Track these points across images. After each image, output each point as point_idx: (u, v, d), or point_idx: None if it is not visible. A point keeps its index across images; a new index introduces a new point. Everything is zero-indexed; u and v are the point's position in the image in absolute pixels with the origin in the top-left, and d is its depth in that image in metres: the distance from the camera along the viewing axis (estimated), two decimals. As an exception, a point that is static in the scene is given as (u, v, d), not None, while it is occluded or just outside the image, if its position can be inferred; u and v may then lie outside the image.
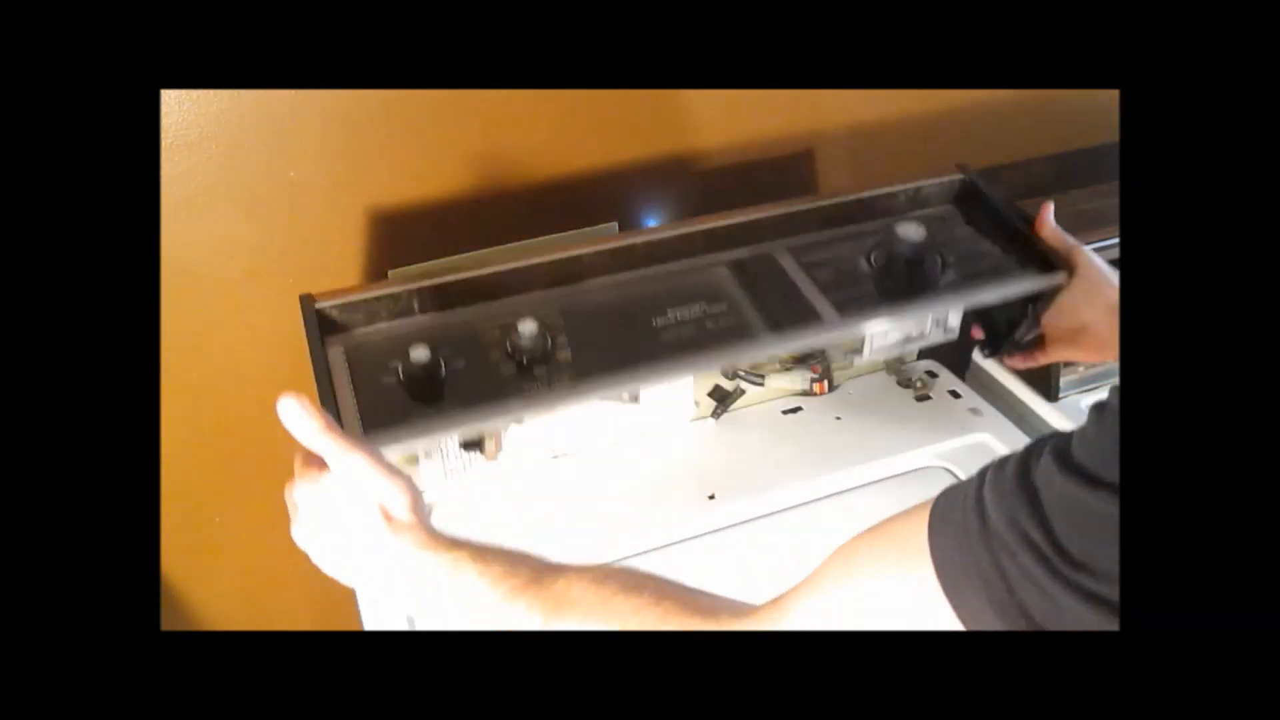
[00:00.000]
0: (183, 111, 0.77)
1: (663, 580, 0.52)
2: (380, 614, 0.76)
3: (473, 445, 0.71)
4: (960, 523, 0.37)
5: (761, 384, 0.93)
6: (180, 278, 0.82)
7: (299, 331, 0.68)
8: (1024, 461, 0.37)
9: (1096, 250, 0.73)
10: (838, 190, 0.82)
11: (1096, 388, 0.96)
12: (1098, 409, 0.35)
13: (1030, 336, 0.78)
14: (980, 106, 1.04)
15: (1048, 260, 0.74)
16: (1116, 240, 0.86)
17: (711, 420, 0.94)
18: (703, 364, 0.70)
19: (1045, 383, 0.94)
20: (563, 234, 0.90)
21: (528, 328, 0.67)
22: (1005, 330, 0.79)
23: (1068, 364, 0.92)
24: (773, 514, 0.83)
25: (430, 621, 0.75)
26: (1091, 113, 1.03)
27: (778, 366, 0.94)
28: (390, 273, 0.83)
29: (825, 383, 0.96)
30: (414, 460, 0.81)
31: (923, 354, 1.01)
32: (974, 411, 0.93)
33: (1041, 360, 0.79)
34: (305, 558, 0.59)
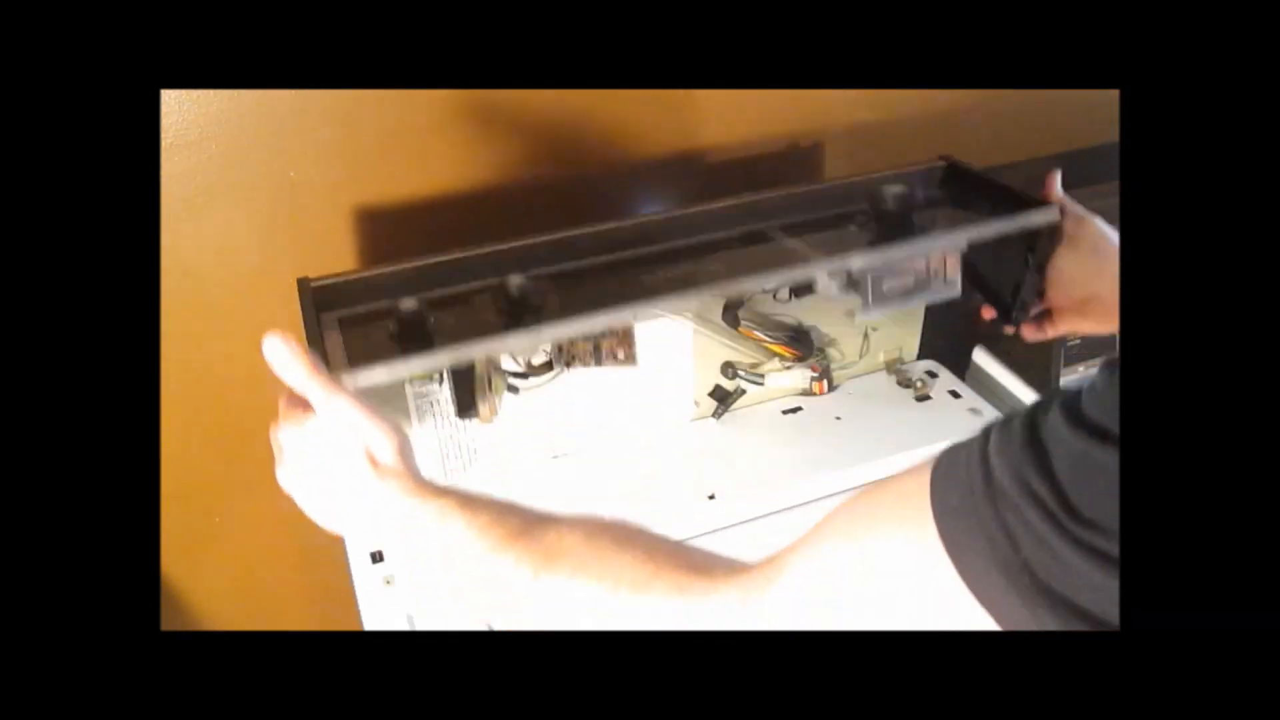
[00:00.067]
0: (183, 111, 0.77)
1: (656, 535, 0.51)
2: (380, 614, 0.76)
3: (468, 407, 0.70)
4: (964, 479, 0.36)
5: (761, 383, 0.93)
6: (180, 278, 0.82)
7: (299, 331, 0.68)
8: (1031, 417, 0.35)
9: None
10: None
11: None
12: (1108, 364, 0.34)
13: (1036, 295, 0.77)
14: (980, 106, 1.04)
15: (1037, 202, 0.74)
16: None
17: (711, 420, 0.94)
18: (693, 299, 0.70)
19: (1045, 382, 0.94)
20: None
21: (516, 280, 0.68)
22: (1011, 295, 0.79)
23: (1073, 338, 0.91)
24: (773, 514, 0.83)
25: (429, 622, 0.75)
26: (1091, 113, 1.03)
27: (778, 366, 0.94)
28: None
29: (825, 382, 0.96)
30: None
31: (923, 354, 1.01)
32: (974, 411, 0.93)
33: (1050, 332, 0.79)
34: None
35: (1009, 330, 0.81)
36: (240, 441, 0.94)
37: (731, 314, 0.86)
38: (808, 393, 0.96)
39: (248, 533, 1.01)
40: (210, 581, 1.03)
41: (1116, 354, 0.34)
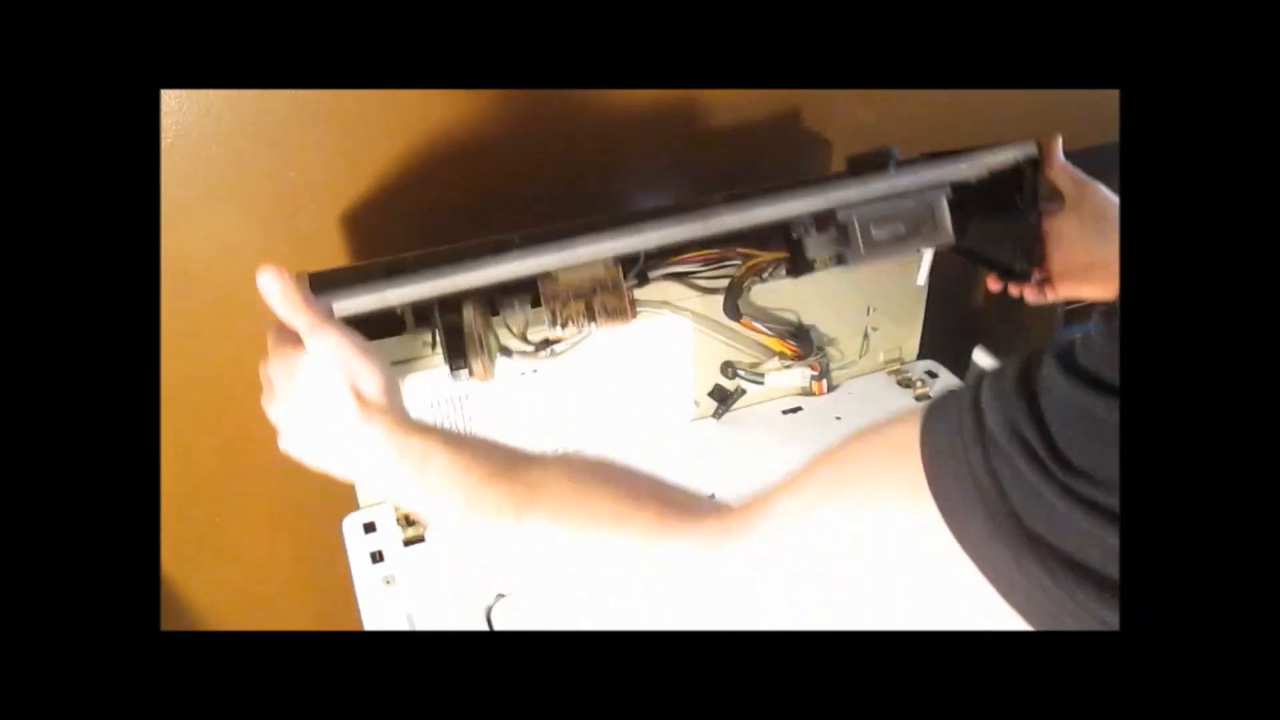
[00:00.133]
0: (183, 111, 0.77)
1: (640, 474, 0.50)
2: (380, 614, 0.76)
3: (460, 362, 0.70)
4: (955, 426, 0.36)
5: (761, 383, 0.93)
6: (180, 278, 0.82)
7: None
8: (1025, 367, 0.35)
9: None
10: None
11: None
12: (1105, 315, 0.34)
13: (1038, 248, 0.78)
14: (981, 107, 1.04)
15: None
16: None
17: (711, 420, 0.94)
18: (680, 228, 0.71)
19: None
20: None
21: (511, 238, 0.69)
22: (1014, 252, 0.79)
23: (1075, 303, 0.91)
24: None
25: (428, 622, 0.75)
26: (1091, 113, 1.03)
27: (777, 366, 0.94)
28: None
29: (824, 382, 0.96)
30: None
31: (923, 354, 1.01)
32: (974, 411, 0.93)
33: (1051, 296, 0.79)
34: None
35: (1016, 292, 0.81)
36: (240, 441, 0.94)
37: (732, 304, 0.86)
38: (807, 392, 0.96)
39: (248, 533, 1.01)
40: (210, 581, 1.03)
41: (1112, 305, 0.34)
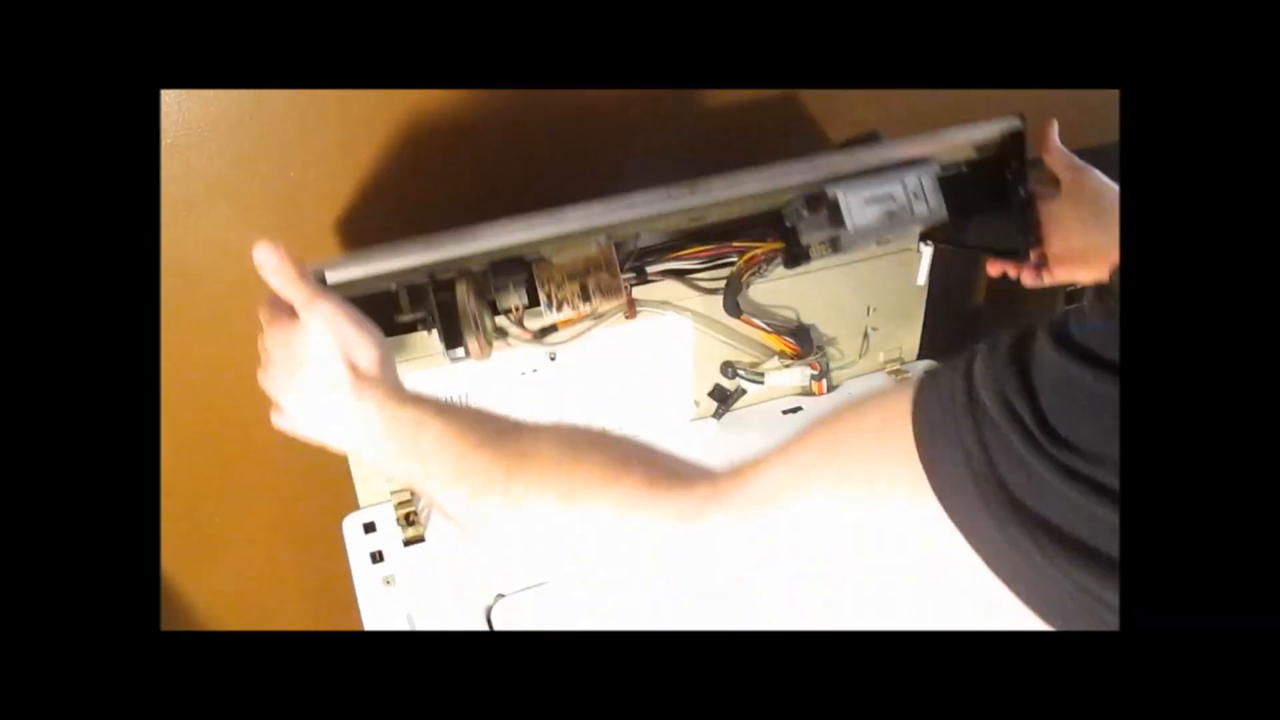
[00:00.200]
0: (183, 111, 0.77)
1: (632, 441, 0.51)
2: (380, 614, 0.76)
3: (456, 340, 0.69)
4: (946, 395, 0.36)
5: (761, 383, 0.93)
6: (180, 278, 0.82)
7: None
8: (1018, 340, 0.36)
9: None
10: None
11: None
12: (1098, 292, 0.35)
13: (1033, 232, 0.78)
14: (981, 107, 1.04)
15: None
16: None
17: (712, 420, 0.94)
18: (668, 200, 0.70)
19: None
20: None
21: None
22: (1010, 238, 0.80)
23: (1074, 290, 0.92)
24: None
25: (428, 622, 0.75)
26: (1091, 113, 1.03)
27: (777, 365, 0.94)
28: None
29: (824, 382, 0.96)
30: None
31: (922, 354, 1.01)
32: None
33: (1048, 279, 0.80)
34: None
35: (1015, 274, 0.82)
36: (240, 441, 0.94)
37: (732, 301, 0.86)
38: (807, 392, 0.96)
39: (248, 533, 1.00)
40: (210, 581, 1.03)
41: (1105, 284, 0.34)
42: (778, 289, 0.89)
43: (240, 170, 0.81)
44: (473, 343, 0.70)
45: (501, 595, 0.77)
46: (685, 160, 0.96)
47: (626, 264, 0.75)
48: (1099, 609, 0.32)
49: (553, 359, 0.84)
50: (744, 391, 0.94)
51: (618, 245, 0.74)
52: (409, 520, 0.83)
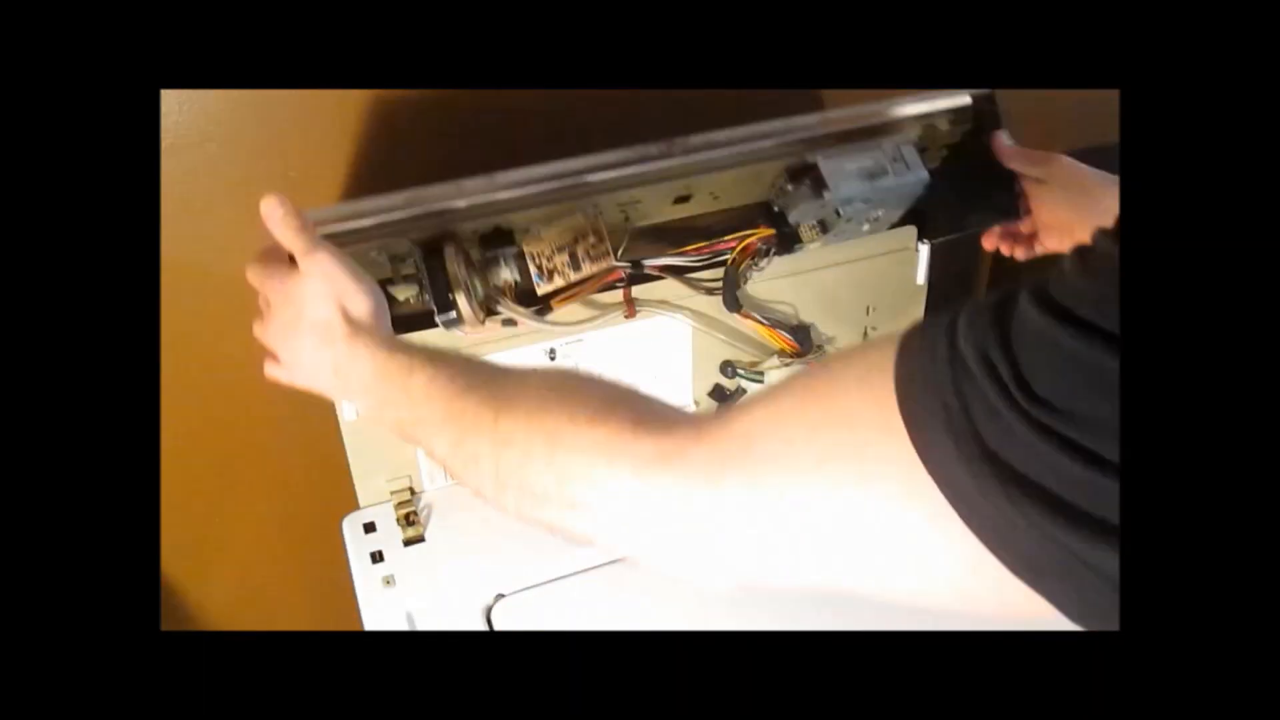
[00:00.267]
0: (183, 111, 0.77)
1: (619, 386, 0.51)
2: (380, 614, 0.76)
3: (446, 301, 0.70)
4: (929, 346, 0.37)
5: (761, 382, 0.93)
6: (180, 278, 0.82)
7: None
8: (1002, 299, 0.36)
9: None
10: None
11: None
12: (1078, 253, 0.35)
13: (1019, 192, 0.81)
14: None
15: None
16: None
17: (711, 420, 0.94)
18: (645, 160, 0.72)
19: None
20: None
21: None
22: (998, 203, 0.82)
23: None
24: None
25: (428, 622, 0.75)
26: (1091, 113, 1.03)
27: (777, 364, 0.94)
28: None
29: (824, 382, 0.96)
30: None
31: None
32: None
33: (1039, 249, 0.82)
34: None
35: (1008, 251, 0.84)
36: (240, 441, 0.94)
37: (731, 295, 0.86)
38: (808, 392, 0.96)
39: (248, 533, 1.01)
40: (210, 581, 1.03)
41: (1086, 245, 0.35)
42: (777, 289, 0.89)
43: (240, 170, 0.81)
44: (465, 306, 0.70)
45: (501, 595, 0.77)
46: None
47: (620, 254, 0.76)
48: (1071, 562, 0.32)
49: (552, 358, 0.84)
50: (744, 391, 0.94)
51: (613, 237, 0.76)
52: (409, 520, 0.83)
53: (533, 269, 0.72)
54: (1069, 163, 0.77)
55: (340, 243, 0.64)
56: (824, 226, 0.78)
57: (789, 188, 0.77)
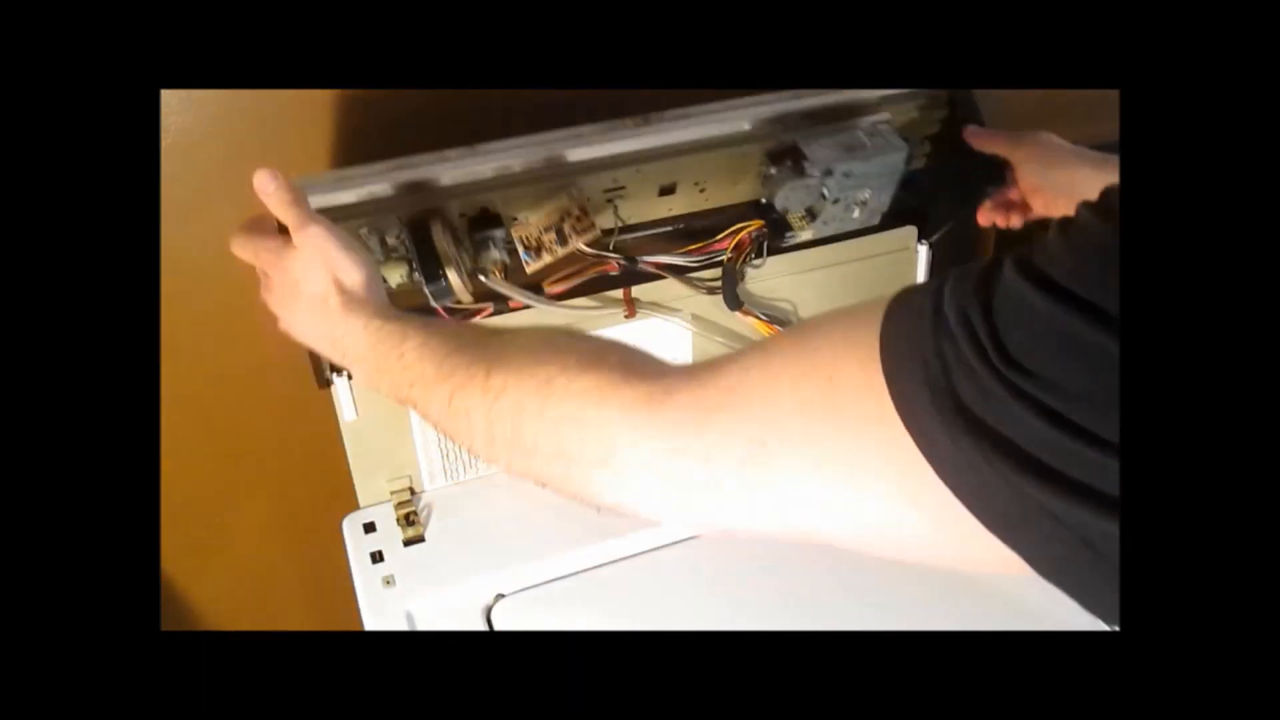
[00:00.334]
0: (183, 111, 0.77)
1: (608, 339, 0.52)
2: (380, 614, 0.76)
3: (435, 272, 0.71)
4: (915, 310, 0.38)
5: (761, 383, 0.93)
6: (180, 278, 0.82)
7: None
8: (988, 266, 0.37)
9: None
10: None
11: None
12: (1062, 224, 0.36)
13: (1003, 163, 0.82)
14: (980, 107, 1.04)
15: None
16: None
17: (711, 420, 0.94)
18: (628, 136, 0.75)
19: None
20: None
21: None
22: (986, 172, 0.83)
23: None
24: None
25: (428, 622, 0.75)
26: (1092, 112, 1.03)
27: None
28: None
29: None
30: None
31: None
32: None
33: (1030, 215, 0.84)
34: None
35: (1004, 223, 0.85)
36: (240, 441, 0.94)
37: (731, 293, 0.86)
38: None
39: (248, 533, 1.01)
40: (210, 581, 1.03)
41: (1069, 217, 0.36)
42: (777, 289, 0.89)
43: (240, 170, 0.80)
44: (453, 276, 0.71)
45: (501, 595, 0.77)
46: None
47: (610, 247, 0.78)
48: (1044, 520, 0.33)
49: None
50: (744, 391, 0.94)
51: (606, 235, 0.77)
52: (409, 520, 0.83)
53: (520, 248, 0.74)
54: (1045, 137, 0.79)
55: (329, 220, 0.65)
56: (812, 214, 0.78)
57: (772, 171, 0.78)
